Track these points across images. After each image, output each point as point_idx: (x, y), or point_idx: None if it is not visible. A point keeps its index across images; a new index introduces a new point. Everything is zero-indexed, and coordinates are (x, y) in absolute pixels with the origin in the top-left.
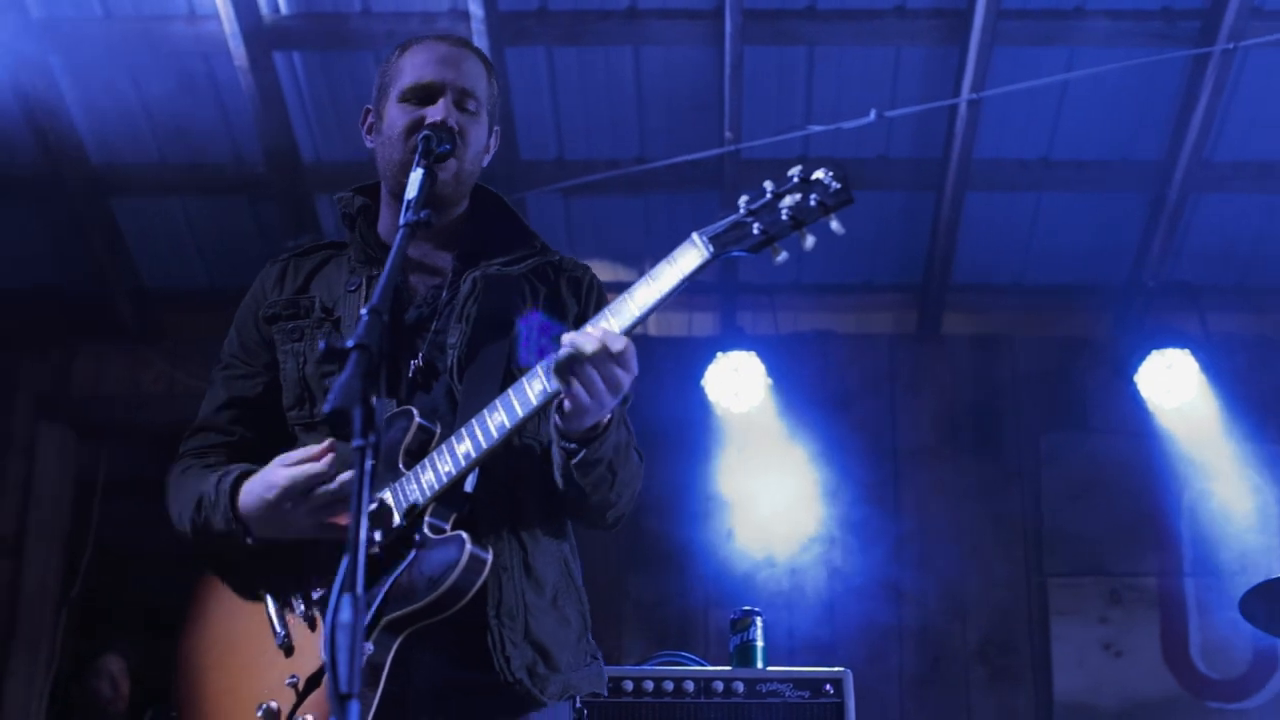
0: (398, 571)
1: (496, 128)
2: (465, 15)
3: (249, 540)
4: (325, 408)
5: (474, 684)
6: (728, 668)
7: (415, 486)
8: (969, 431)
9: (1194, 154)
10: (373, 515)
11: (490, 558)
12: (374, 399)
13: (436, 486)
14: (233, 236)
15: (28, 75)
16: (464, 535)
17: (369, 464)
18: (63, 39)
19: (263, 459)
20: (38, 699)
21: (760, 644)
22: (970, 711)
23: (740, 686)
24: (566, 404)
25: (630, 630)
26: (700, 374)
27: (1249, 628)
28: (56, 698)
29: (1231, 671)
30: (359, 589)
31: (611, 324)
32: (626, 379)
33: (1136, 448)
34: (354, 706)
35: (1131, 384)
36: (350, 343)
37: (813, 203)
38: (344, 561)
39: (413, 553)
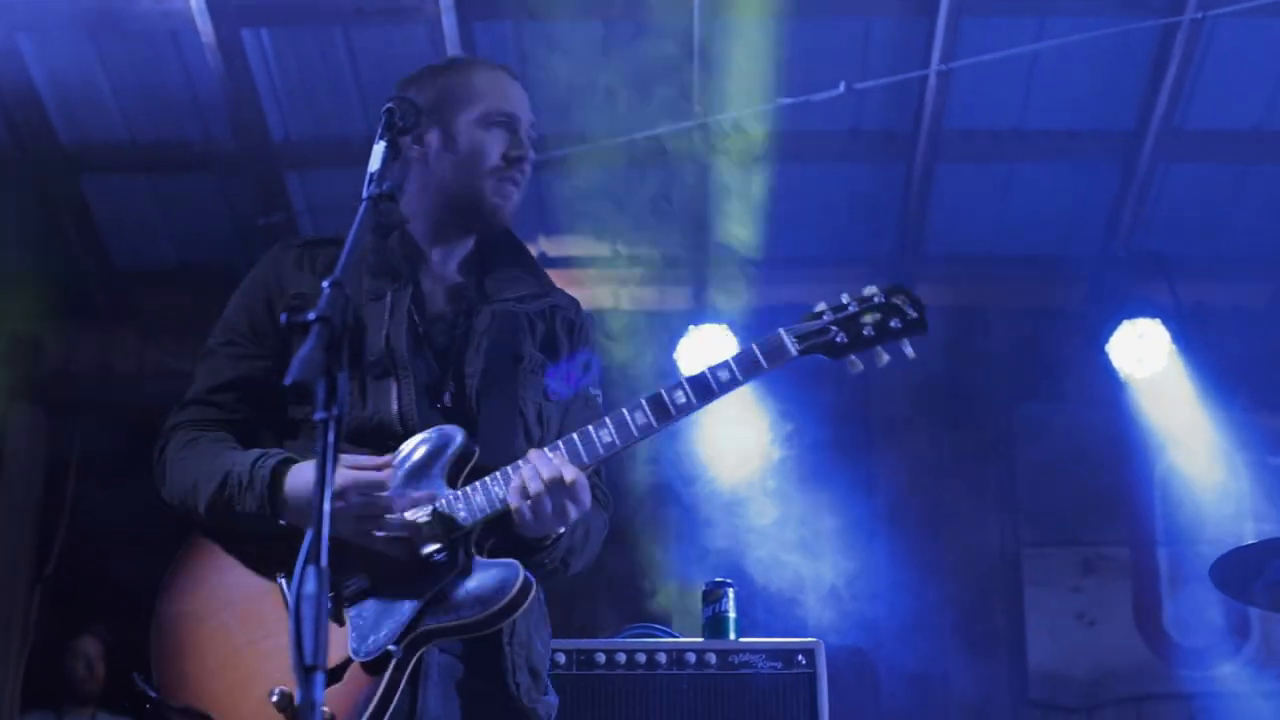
0: (440, 585)
1: None
2: None
3: (281, 523)
4: (286, 380)
5: (482, 691)
6: (700, 639)
7: (463, 506)
8: (943, 403)
9: (1164, 123)
10: (426, 525)
11: (535, 586)
12: (337, 372)
13: (488, 510)
14: (202, 215)
15: None
16: (517, 562)
17: (331, 437)
18: (30, 17)
19: (262, 442)
20: (13, 677)
21: (732, 615)
22: (945, 680)
23: (713, 658)
24: (516, 518)
25: (603, 603)
26: (672, 347)
27: (1220, 596)
28: (32, 676)
29: (1203, 640)
30: (323, 561)
31: (595, 437)
32: (574, 510)
33: (1109, 418)
34: (319, 678)
35: (1104, 354)
36: (312, 315)
37: (894, 325)
38: (307, 535)
39: (458, 570)
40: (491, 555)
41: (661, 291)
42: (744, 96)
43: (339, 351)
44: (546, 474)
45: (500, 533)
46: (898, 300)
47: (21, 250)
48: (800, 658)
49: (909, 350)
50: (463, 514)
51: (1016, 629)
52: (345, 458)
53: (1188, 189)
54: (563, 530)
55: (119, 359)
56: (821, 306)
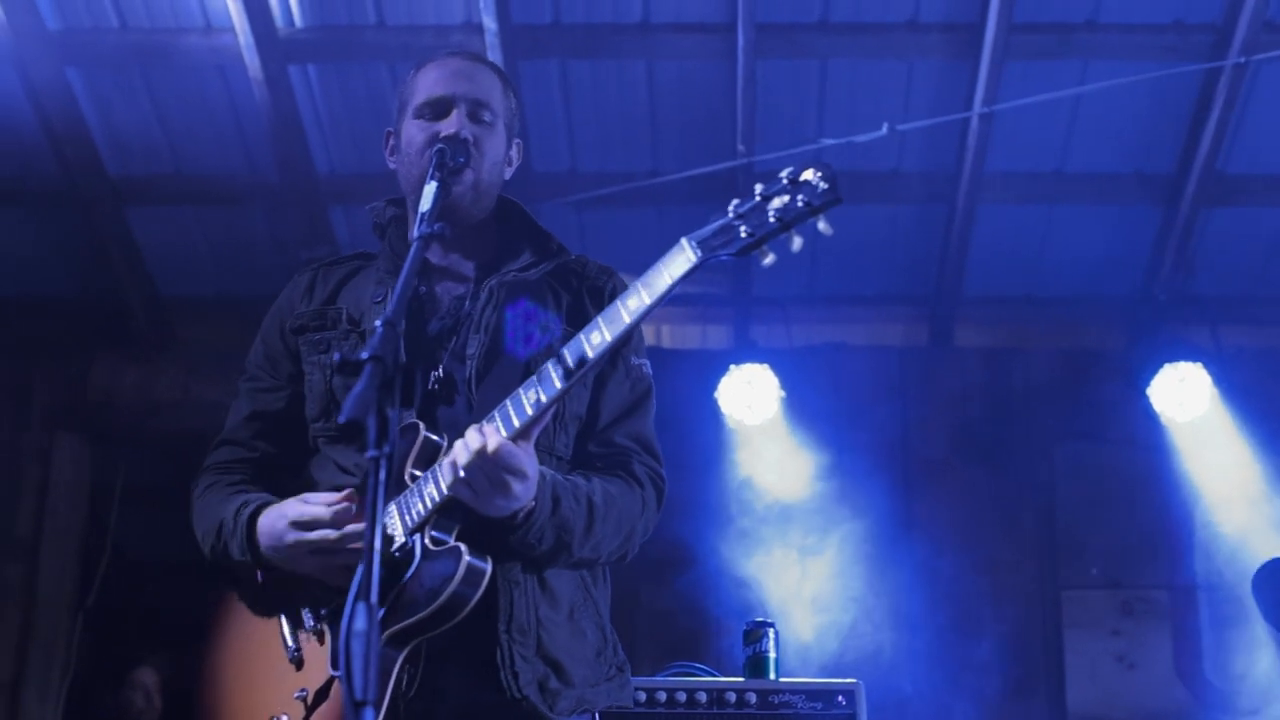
0: (400, 583)
1: (518, 141)
2: (479, 29)
3: (259, 572)
4: (340, 418)
5: (490, 700)
6: (740, 679)
7: (418, 499)
8: (981, 444)
9: (1206, 167)
10: (388, 524)
11: (490, 568)
12: (389, 410)
13: (437, 499)
14: (247, 247)
15: (45, 87)
16: (462, 547)
17: (383, 474)
18: (80, 51)
19: (286, 473)
20: (54, 705)
21: (773, 655)
22: None
23: (753, 698)
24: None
25: (643, 641)
26: (714, 386)
27: (1260, 640)
28: (73, 704)
29: (1243, 684)
30: (373, 597)
31: (563, 367)
32: (515, 481)
33: (1149, 460)
34: (369, 714)
35: (1144, 397)
36: (365, 354)
37: (800, 203)
38: (359, 570)
39: (414, 565)
40: (460, 540)
41: (704, 330)
42: (787, 137)
43: (391, 389)
44: (473, 446)
45: (469, 517)
46: (807, 176)
47: (68, 280)
48: (840, 698)
49: (824, 226)
50: (417, 506)
51: (1056, 671)
52: (304, 495)
53: (1229, 233)
54: (524, 506)
55: (163, 389)
56: (732, 203)
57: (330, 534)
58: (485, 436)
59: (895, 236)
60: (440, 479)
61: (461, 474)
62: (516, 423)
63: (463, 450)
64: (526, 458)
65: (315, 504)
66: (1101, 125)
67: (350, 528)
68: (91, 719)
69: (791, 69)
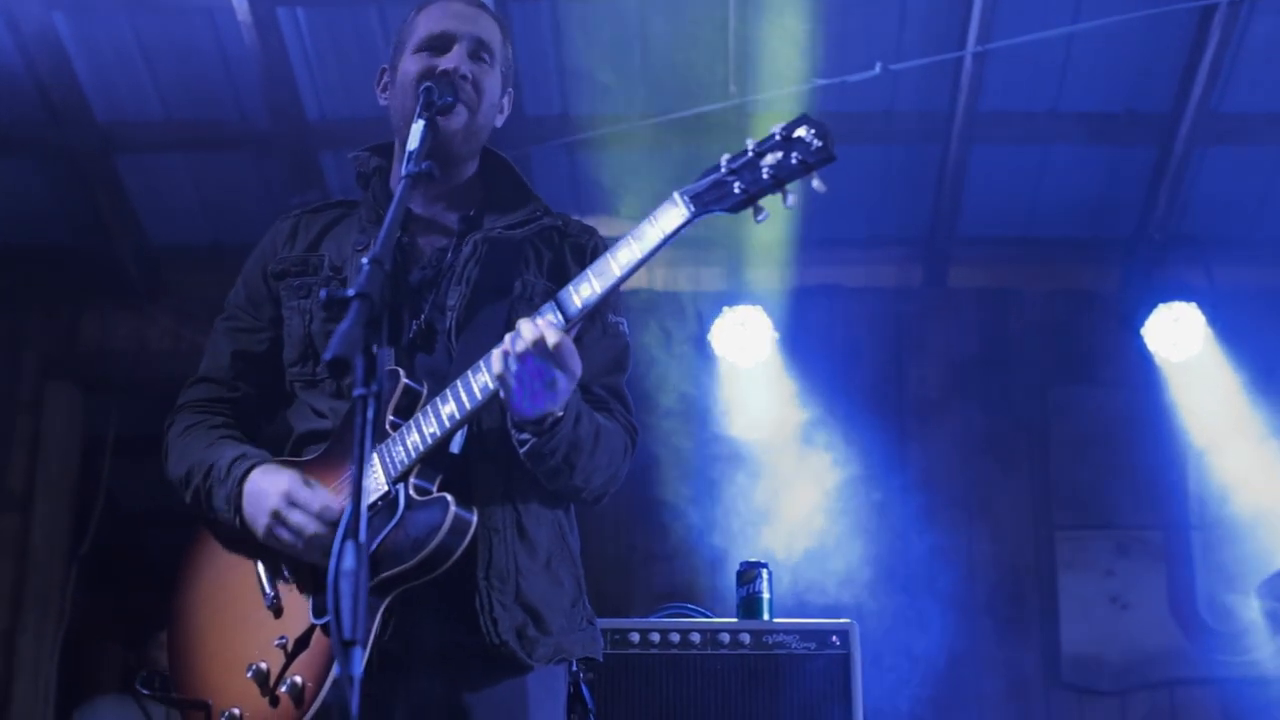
0: (384, 533)
1: (510, 90)
2: None
3: (238, 520)
4: (326, 355)
5: (469, 646)
6: (734, 620)
7: (401, 448)
8: (976, 385)
9: (1201, 106)
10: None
11: (475, 519)
12: (375, 348)
13: (421, 448)
14: (237, 193)
15: (32, 32)
16: (448, 497)
17: (370, 412)
18: None
19: (262, 415)
20: (49, 654)
21: (766, 596)
22: (977, 663)
23: (746, 638)
24: (502, 392)
25: (637, 583)
26: (707, 328)
27: (1254, 580)
28: (68, 652)
29: (1237, 624)
30: (362, 536)
31: (560, 314)
32: (563, 378)
33: (1143, 401)
34: (357, 653)
35: (1138, 337)
36: (351, 292)
37: (794, 161)
38: (346, 509)
39: (399, 515)
40: (484, 444)
41: (696, 272)
42: (779, 77)
43: (378, 328)
44: (529, 337)
45: (452, 468)
46: (800, 132)
47: (57, 229)
48: (834, 638)
49: (818, 184)
50: (400, 455)
51: (1049, 612)
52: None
53: (1224, 172)
54: (554, 411)
55: (154, 337)
56: (724, 158)
57: (308, 523)
58: (542, 330)
59: (889, 177)
60: (441, 412)
61: (513, 366)
62: (565, 320)
63: (518, 341)
64: (575, 356)
65: (308, 495)
66: (1096, 64)
67: (321, 531)
68: (86, 669)
69: (782, 7)
